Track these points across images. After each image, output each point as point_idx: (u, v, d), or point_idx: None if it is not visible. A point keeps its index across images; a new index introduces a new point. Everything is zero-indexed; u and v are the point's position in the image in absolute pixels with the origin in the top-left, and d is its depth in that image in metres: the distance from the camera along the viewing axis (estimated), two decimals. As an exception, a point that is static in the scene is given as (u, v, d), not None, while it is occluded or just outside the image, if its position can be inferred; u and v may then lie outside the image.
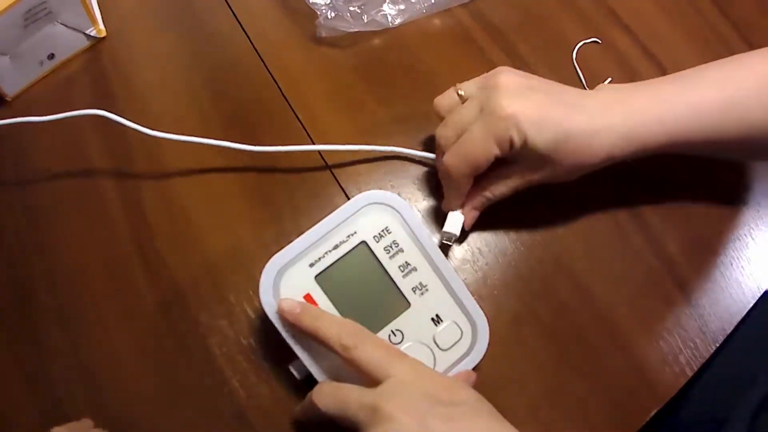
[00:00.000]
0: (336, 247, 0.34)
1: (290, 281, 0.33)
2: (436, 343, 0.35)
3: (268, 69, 0.45)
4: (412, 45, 0.46)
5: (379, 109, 0.44)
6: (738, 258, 0.40)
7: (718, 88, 0.34)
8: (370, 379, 0.30)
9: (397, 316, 0.35)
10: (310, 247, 0.34)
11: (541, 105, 0.33)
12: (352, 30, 0.45)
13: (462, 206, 0.37)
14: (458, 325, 0.35)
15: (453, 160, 0.35)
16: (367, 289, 0.34)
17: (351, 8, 0.45)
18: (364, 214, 0.34)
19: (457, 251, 0.40)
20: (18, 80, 0.44)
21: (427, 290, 0.35)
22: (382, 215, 0.35)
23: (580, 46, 0.46)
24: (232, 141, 0.40)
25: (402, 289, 0.35)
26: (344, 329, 0.31)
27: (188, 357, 0.37)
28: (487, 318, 0.35)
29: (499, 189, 0.36)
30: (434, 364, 0.35)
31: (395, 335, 0.34)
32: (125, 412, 0.36)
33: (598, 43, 0.46)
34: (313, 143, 0.42)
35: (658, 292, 0.39)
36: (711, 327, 0.38)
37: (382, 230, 0.35)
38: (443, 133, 0.36)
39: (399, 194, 0.36)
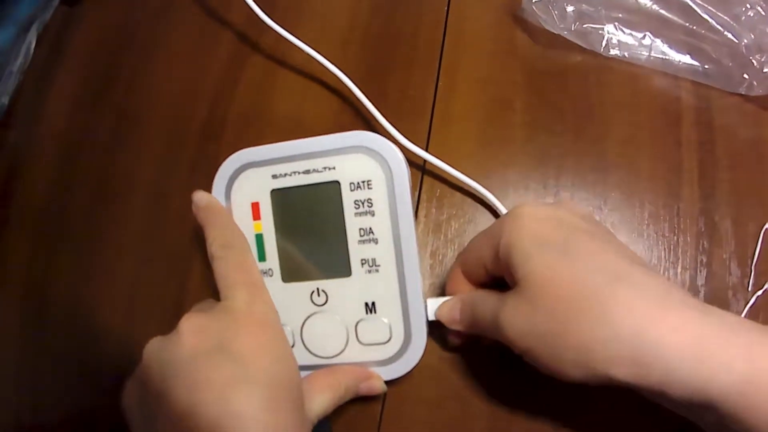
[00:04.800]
0: (307, 172, 0.30)
1: (246, 182, 0.30)
2: (356, 330, 0.29)
3: (447, 13, 0.38)
4: (609, 84, 0.35)
5: (521, 131, 0.35)
6: None
7: None
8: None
9: (331, 278, 0.30)
10: (282, 158, 0.30)
11: (563, 229, 0.24)
12: (553, 31, 0.36)
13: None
14: (390, 329, 0.29)
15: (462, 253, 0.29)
16: (315, 233, 0.30)
17: (568, 7, 0.35)
18: (354, 154, 0.29)
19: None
20: None
21: (377, 271, 0.29)
22: (372, 166, 0.29)
23: None
24: (353, 72, 0.35)
25: (351, 253, 0.29)
26: (221, 238, 0.27)
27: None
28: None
29: (479, 297, 0.27)
30: (342, 350, 0.30)
31: (319, 295, 0.30)
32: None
33: None
34: (431, 120, 0.36)
35: None
36: None
37: (363, 182, 0.29)
38: None
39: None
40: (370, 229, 0.29)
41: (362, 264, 0.29)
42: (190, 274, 0.36)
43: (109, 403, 0.35)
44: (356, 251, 0.29)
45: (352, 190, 0.29)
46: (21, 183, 0.41)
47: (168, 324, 0.35)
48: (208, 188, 0.37)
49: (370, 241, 0.29)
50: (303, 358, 0.30)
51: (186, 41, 0.42)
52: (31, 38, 0.43)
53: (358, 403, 0.32)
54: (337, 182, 0.29)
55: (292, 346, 0.30)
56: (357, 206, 0.29)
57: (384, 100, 0.36)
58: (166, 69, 0.41)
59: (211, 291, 0.35)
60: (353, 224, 0.29)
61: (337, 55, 0.37)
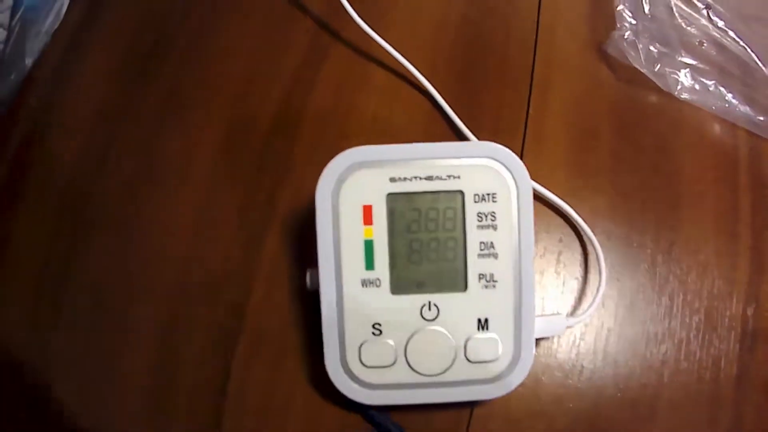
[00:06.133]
0: (429, 178, 0.28)
1: (359, 182, 0.28)
2: (465, 347, 0.28)
3: (536, 39, 0.39)
4: (681, 126, 0.37)
5: (608, 159, 0.36)
6: None
7: None
8: None
9: (445, 292, 0.28)
10: (402, 160, 0.28)
11: None
12: (638, 68, 0.38)
13: None
14: (500, 346, 0.28)
15: None
16: (432, 242, 0.28)
17: (651, 47, 0.37)
18: (482, 165, 0.28)
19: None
20: None
21: (494, 287, 0.28)
22: (499, 179, 0.28)
23: None
24: (441, 81, 0.35)
25: (469, 267, 0.28)
26: None
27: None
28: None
29: None
30: (448, 367, 0.28)
31: (430, 309, 0.28)
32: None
33: None
34: (523, 140, 0.36)
35: None
36: None
37: (488, 194, 0.28)
38: None
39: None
40: (492, 243, 0.28)
41: (479, 279, 0.28)
42: (252, 282, 0.33)
43: (142, 409, 0.31)
44: (475, 265, 0.28)
45: (476, 202, 0.28)
46: (42, 153, 0.35)
47: (222, 329, 0.32)
48: (273, 186, 0.34)
49: (489, 255, 0.28)
50: (406, 376, 0.28)
51: (255, 17, 0.38)
52: (65, -4, 0.38)
53: (443, 418, 0.31)
54: (461, 192, 0.28)
55: (394, 362, 0.28)
56: (480, 219, 0.28)
57: (477, 115, 0.35)
58: (229, 48, 0.37)
59: (272, 310, 0.32)
60: (474, 237, 0.28)
61: (424, 61, 0.36)
